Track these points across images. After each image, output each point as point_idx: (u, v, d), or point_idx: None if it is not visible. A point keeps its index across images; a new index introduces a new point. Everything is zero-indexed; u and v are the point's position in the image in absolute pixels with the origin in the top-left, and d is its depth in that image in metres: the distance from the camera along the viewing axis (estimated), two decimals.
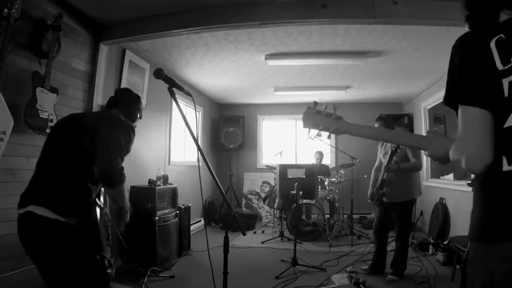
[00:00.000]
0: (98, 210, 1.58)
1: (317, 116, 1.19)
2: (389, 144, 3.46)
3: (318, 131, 1.21)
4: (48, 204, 1.41)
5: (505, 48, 0.85)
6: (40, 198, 1.44)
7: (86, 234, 1.47)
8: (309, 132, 1.23)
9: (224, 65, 4.62)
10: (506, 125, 0.84)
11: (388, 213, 3.39)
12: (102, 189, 1.67)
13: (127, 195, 1.62)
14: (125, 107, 1.85)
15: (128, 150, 1.64)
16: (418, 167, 3.25)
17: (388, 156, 3.26)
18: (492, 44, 0.86)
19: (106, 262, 1.53)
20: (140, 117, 1.98)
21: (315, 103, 1.21)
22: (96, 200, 1.56)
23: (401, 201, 3.26)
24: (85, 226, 1.48)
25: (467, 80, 0.89)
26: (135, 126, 1.92)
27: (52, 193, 1.47)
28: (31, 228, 1.43)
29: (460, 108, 0.90)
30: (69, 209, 1.43)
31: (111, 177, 1.48)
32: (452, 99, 0.93)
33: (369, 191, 3.51)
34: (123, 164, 1.58)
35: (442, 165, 1.06)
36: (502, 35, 0.86)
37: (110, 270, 1.55)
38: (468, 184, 3.62)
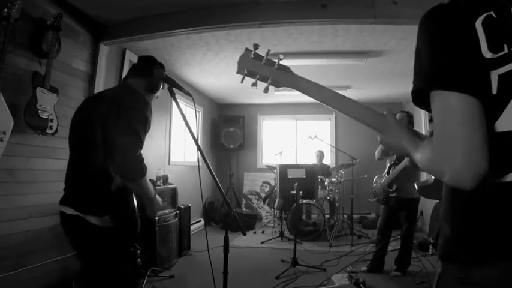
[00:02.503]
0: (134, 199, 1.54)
1: (255, 62, 0.97)
2: None
3: (254, 80, 0.99)
4: (77, 206, 1.45)
5: (496, 30, 0.62)
6: (69, 199, 1.50)
7: (118, 231, 1.48)
8: (242, 81, 1.03)
9: (224, 65, 4.62)
10: (499, 129, 0.63)
11: (394, 212, 3.41)
12: None
13: (150, 185, 1.57)
14: (147, 74, 1.72)
15: (145, 132, 1.52)
16: None
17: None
18: (478, 24, 0.62)
19: (137, 253, 1.56)
20: (163, 87, 1.81)
21: (256, 46, 0.97)
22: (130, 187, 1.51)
23: (411, 198, 3.30)
24: (118, 223, 1.48)
25: (444, 59, 0.64)
26: (157, 97, 1.80)
27: (80, 196, 1.49)
28: (66, 226, 1.50)
29: (434, 98, 0.65)
30: (98, 209, 1.45)
31: (131, 171, 1.43)
32: (423, 86, 0.67)
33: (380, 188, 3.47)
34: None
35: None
36: (492, 13, 0.63)
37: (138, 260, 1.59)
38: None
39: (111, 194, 1.47)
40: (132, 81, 1.71)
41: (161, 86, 1.78)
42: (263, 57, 0.98)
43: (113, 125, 1.44)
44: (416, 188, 1.03)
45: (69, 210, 1.44)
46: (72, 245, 1.51)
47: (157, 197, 1.64)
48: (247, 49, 0.99)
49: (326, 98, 0.93)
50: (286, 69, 0.98)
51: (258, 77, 0.99)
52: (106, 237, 1.44)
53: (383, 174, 3.49)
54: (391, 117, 0.86)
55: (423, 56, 0.68)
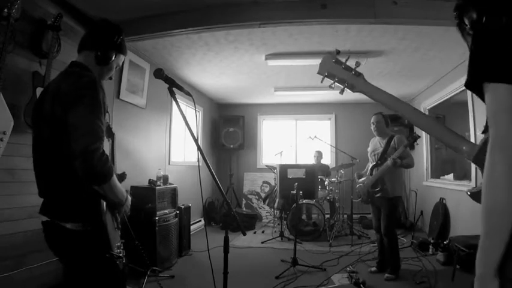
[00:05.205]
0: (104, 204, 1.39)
1: (335, 66, 1.12)
2: (377, 140, 3.48)
3: (332, 81, 1.14)
4: (52, 215, 1.38)
5: None
6: (44, 208, 1.42)
7: (91, 235, 1.38)
8: (322, 81, 1.16)
9: (224, 65, 4.62)
10: None
11: (380, 211, 3.41)
12: None
13: (118, 186, 1.39)
14: (95, 44, 1.46)
15: (102, 117, 1.31)
16: (413, 164, 3.33)
17: (380, 153, 3.34)
18: None
19: (115, 257, 1.45)
20: (124, 53, 1.56)
21: (337, 51, 1.13)
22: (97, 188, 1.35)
23: (392, 197, 3.28)
24: (90, 228, 1.37)
25: (496, 57, 0.69)
26: (117, 67, 1.58)
27: (53, 202, 1.40)
28: (46, 233, 1.44)
29: (487, 89, 0.70)
30: (70, 215, 1.37)
31: (95, 175, 1.24)
32: (476, 79, 0.73)
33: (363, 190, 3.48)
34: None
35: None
36: None
37: (119, 262, 1.46)
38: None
39: (80, 199, 1.35)
40: (81, 57, 1.50)
41: (114, 56, 1.50)
42: (342, 62, 1.11)
43: (61, 124, 1.25)
44: (469, 193, 1.02)
45: (46, 218, 1.40)
46: (53, 252, 1.44)
47: (129, 197, 1.51)
48: (328, 53, 1.13)
49: (400, 109, 1.04)
50: (360, 74, 1.11)
51: (336, 79, 1.12)
52: (83, 241, 1.35)
53: (367, 174, 3.49)
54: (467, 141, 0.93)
55: (476, 55, 0.75)
